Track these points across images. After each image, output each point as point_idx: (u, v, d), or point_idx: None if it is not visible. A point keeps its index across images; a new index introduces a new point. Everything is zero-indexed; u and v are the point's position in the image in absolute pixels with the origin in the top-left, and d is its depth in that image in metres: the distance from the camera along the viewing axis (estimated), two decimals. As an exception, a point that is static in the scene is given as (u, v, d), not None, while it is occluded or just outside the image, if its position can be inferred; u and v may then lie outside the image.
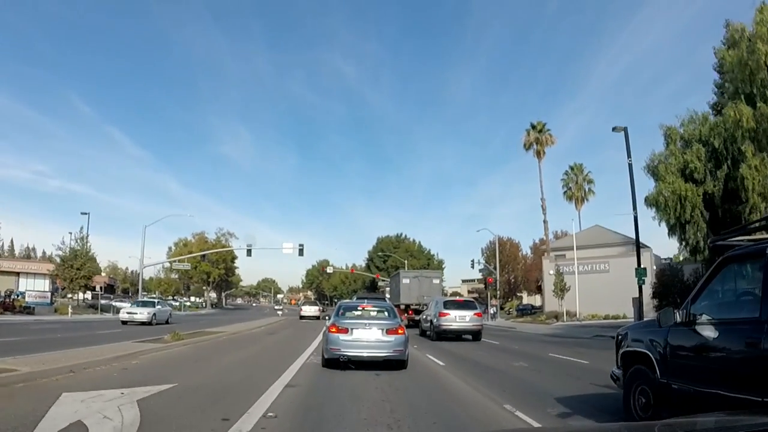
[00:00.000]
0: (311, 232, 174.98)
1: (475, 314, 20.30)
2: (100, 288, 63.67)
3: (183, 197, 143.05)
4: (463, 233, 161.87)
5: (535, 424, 5.76)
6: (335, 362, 10.12)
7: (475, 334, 20.24)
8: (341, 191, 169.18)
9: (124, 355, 11.18)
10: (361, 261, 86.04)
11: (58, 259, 45.43)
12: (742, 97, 18.87)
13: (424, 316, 23.18)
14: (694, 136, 20.47)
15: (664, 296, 26.12)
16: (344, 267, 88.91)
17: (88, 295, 56.27)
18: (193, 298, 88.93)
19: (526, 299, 68.00)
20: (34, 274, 58.82)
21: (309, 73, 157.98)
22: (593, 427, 4.80)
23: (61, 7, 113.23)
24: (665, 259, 44.73)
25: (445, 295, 36.90)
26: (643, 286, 23.75)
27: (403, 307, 28.35)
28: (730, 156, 19.25)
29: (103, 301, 47.09)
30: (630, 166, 22.99)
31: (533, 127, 51.05)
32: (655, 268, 34.50)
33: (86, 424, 5.35)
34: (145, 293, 79.16)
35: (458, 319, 19.84)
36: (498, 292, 52.18)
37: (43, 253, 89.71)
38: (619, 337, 6.06)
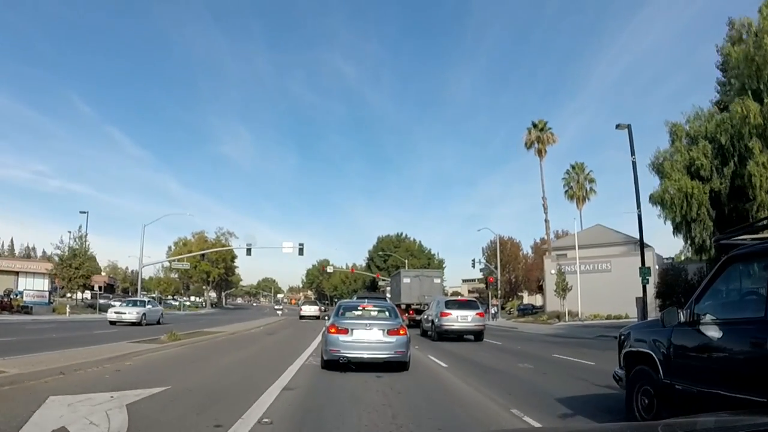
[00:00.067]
0: (311, 232, 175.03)
1: (477, 314, 19.99)
2: (99, 288, 63.51)
3: (183, 197, 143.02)
4: (463, 233, 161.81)
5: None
6: (335, 364, 9.81)
7: (477, 335, 19.94)
8: (341, 191, 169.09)
9: (118, 356, 10.88)
10: (361, 261, 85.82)
11: (56, 259, 45.13)
12: (749, 93, 18.54)
13: (426, 316, 22.88)
14: (700, 132, 20.12)
15: (668, 296, 25.85)
16: (344, 267, 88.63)
17: (87, 294, 56.04)
18: (193, 298, 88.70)
19: (527, 299, 67.70)
20: (33, 273, 58.62)
21: (309, 73, 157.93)
22: (594, 427, 4.73)
23: (61, 7, 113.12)
24: (667, 258, 44.44)
25: (446, 294, 36.60)
26: (647, 286, 23.42)
27: (403, 306, 28.05)
28: (737, 153, 18.91)
29: (102, 301, 46.76)
30: (634, 163, 22.66)
31: (534, 125, 50.76)
32: (657, 267, 34.16)
33: (70, 430, 5.05)
34: (145, 293, 79.11)
35: (460, 319, 19.53)
36: (499, 292, 51.86)
37: (43, 252, 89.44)
38: (622, 337, 5.98)
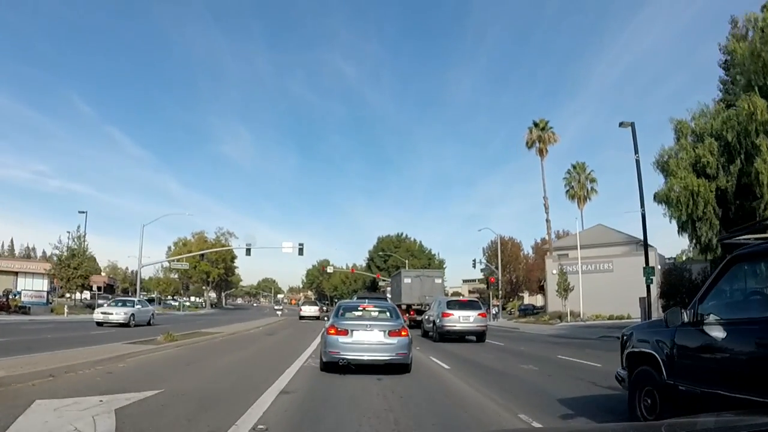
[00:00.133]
0: (311, 232, 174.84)
1: (479, 314, 19.69)
2: (98, 288, 63.21)
3: (183, 197, 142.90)
4: (464, 233, 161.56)
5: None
6: (334, 366, 9.51)
7: (480, 335, 19.65)
8: (341, 191, 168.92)
9: (112, 357, 10.57)
10: (361, 261, 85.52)
11: (55, 259, 44.85)
12: (756, 89, 18.23)
13: (427, 317, 22.60)
14: (705, 129, 19.79)
15: (672, 296, 25.56)
16: (344, 267, 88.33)
17: (87, 294, 55.76)
18: (192, 298, 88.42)
19: (527, 299, 67.41)
20: (33, 273, 58.48)
21: (309, 74, 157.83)
22: (593, 427, 4.66)
23: (61, 7, 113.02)
24: (669, 258, 44.18)
25: (446, 295, 36.29)
26: (650, 286, 23.13)
27: (404, 307, 27.76)
28: (744, 150, 18.58)
29: (100, 301, 46.37)
30: (637, 161, 22.38)
31: (536, 124, 50.46)
32: (659, 267, 33.87)
33: (53, 438, 4.76)
34: (144, 293, 78.84)
35: (462, 319, 19.24)
36: (500, 292, 51.57)
37: (43, 252, 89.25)
38: (624, 337, 5.91)
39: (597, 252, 42.22)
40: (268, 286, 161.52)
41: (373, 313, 10.61)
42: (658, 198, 20.83)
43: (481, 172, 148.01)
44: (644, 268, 22.18)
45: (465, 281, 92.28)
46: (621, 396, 6.45)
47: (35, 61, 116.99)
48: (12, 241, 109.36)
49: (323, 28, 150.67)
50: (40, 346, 12.81)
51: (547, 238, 54.20)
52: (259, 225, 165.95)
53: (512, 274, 67.46)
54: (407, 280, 30.14)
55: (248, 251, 48.24)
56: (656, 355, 5.00)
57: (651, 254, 26.82)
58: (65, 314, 35.67)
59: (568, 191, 51.10)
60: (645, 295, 22.96)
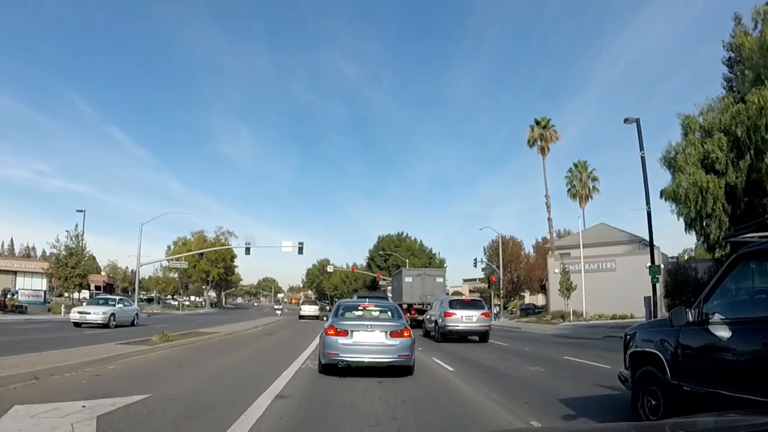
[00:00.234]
0: (311, 232, 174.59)
1: (482, 314, 19.28)
2: (96, 287, 62.89)
3: (184, 197, 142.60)
4: (464, 233, 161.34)
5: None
6: (333, 368, 9.08)
7: (483, 335, 19.24)
8: (342, 191, 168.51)
9: (102, 358, 10.15)
10: (361, 260, 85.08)
11: (53, 258, 44.48)
12: (765, 83, 17.79)
13: (428, 316, 22.19)
14: (714, 124, 19.34)
15: (678, 295, 25.15)
16: (345, 266, 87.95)
17: (85, 293, 55.37)
18: (192, 298, 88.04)
19: (528, 299, 67.02)
20: (32, 273, 58.15)
21: (310, 74, 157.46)
22: (594, 427, 4.58)
23: (61, 7, 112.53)
24: (671, 257, 43.79)
25: (447, 294, 35.86)
26: (656, 285, 22.70)
27: (405, 306, 27.32)
28: (754, 146, 18.14)
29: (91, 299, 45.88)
30: (643, 158, 21.91)
31: (537, 123, 50.01)
32: (662, 266, 33.47)
33: (25, 448, 4.35)
34: (144, 292, 78.48)
35: (465, 319, 18.83)
36: (501, 291, 51.16)
37: (43, 252, 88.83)
38: (627, 337, 5.83)
39: (599, 251, 41.80)
40: (268, 286, 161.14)
41: (374, 313, 10.17)
42: (666, 195, 20.37)
43: (482, 172, 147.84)
44: (650, 266, 21.72)
45: (465, 280, 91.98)
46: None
47: (35, 61, 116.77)
48: (12, 240, 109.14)
49: (324, 28, 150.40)
50: (31, 346, 12.40)
51: (548, 237, 53.76)
52: (259, 225, 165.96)
53: (513, 274, 67.02)
54: (408, 279, 29.72)
55: (248, 250, 47.91)
56: (660, 355, 4.91)
57: (655, 253, 26.40)
58: (62, 314, 35.23)
59: (569, 190, 50.66)
60: (649, 294, 22.55)
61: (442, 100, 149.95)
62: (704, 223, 19.10)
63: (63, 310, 36.52)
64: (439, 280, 30.53)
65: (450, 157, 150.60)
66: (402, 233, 78.10)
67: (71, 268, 41.75)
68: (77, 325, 22.47)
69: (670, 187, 20.22)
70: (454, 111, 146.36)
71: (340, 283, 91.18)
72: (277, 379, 8.60)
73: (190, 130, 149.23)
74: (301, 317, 40.67)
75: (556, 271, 41.02)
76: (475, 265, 55.57)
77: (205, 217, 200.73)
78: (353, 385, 8.24)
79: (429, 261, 70.37)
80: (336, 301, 15.22)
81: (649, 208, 21.56)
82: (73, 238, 42.41)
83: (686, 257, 49.14)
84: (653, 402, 4.96)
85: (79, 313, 23.22)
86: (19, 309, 34.92)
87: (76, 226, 43.17)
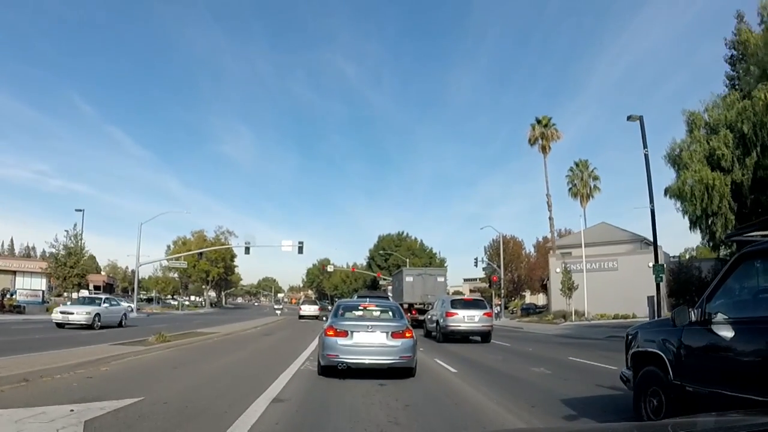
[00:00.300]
0: (312, 232, 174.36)
1: (484, 314, 19.02)
2: (96, 287, 62.59)
3: (184, 197, 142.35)
4: (464, 233, 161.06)
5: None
6: (333, 370, 8.81)
7: (485, 336, 18.98)
8: (342, 191, 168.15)
9: (95, 360, 9.89)
10: (362, 260, 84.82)
11: (52, 257, 44.26)
12: (772, 79, 17.54)
13: (430, 316, 21.93)
14: (719, 121, 19.03)
15: (682, 294, 24.89)
16: (345, 266, 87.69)
17: (85, 293, 55.10)
18: (192, 297, 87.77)
19: (529, 298, 66.75)
20: (31, 273, 58.04)
21: (310, 74, 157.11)
22: (595, 427, 4.56)
23: (61, 7, 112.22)
24: (673, 256, 43.52)
25: (448, 294, 35.59)
26: (659, 284, 22.43)
27: (406, 306, 27.04)
28: (760, 142, 17.84)
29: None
30: (646, 156, 21.65)
31: (539, 121, 49.74)
32: (665, 266, 33.21)
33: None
34: (144, 292, 78.20)
35: (467, 319, 18.56)
36: (502, 291, 50.89)
37: (43, 252, 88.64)
38: (629, 337, 5.78)
39: (601, 250, 41.52)
40: (268, 286, 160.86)
41: (374, 313, 9.90)
42: (670, 192, 20.06)
43: (482, 171, 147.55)
44: (654, 265, 21.44)
45: (466, 280, 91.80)
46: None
47: (35, 61, 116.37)
48: (12, 240, 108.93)
49: (324, 28, 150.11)
50: (25, 346, 12.18)
51: (549, 236, 53.49)
52: (259, 225, 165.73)
53: (514, 273, 66.76)
54: (409, 279, 29.44)
55: (247, 250, 47.71)
56: (662, 354, 4.87)
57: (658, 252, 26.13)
58: (60, 314, 34.97)
59: (570, 189, 50.32)
60: (652, 293, 22.30)
61: (442, 100, 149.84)
62: (710, 221, 18.80)
63: (61, 310, 36.29)
64: (440, 279, 30.24)
65: (450, 156, 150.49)
66: (402, 233, 77.90)
67: (70, 268, 41.56)
68: (60, 326, 21.07)
69: (675, 184, 19.90)
70: (454, 111, 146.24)
71: (341, 283, 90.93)
72: (274, 381, 8.33)
73: (190, 130, 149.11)
74: (301, 317, 40.43)
75: (558, 270, 40.75)
76: (476, 265, 55.39)
77: (205, 217, 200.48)
78: (353, 387, 7.97)
79: (429, 261, 70.11)
80: (336, 301, 14.97)
81: (653, 206, 21.30)
82: (72, 238, 42.24)
83: (687, 256, 48.86)
84: (655, 402, 4.92)
85: (62, 313, 21.63)
86: (17, 309, 34.72)
87: (75, 225, 43.02)
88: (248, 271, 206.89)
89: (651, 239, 22.53)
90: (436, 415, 6.26)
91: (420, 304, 27.74)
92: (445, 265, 70.78)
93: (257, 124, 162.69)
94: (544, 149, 49.28)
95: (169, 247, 76.62)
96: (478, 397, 7.65)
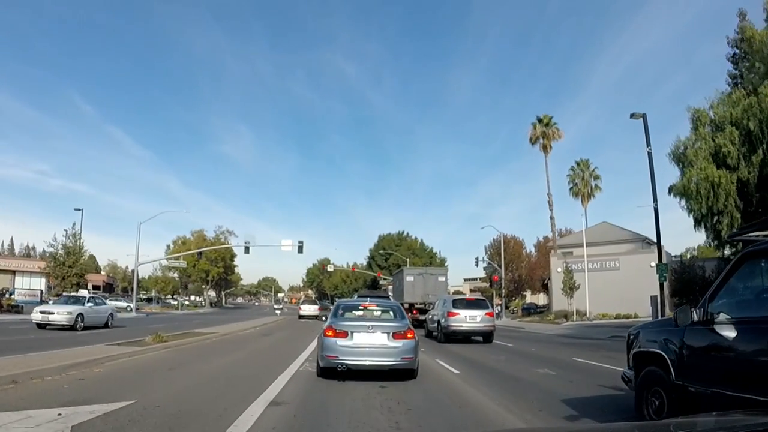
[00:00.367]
0: (312, 232, 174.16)
1: (486, 314, 18.77)
2: (95, 287, 62.36)
3: (184, 197, 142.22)
4: (464, 233, 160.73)
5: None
6: (332, 371, 8.56)
7: (487, 336, 18.73)
8: (342, 191, 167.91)
9: (88, 360, 9.64)
10: (362, 260, 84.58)
11: (51, 257, 44.04)
12: (778, 76, 17.28)
13: (431, 316, 21.69)
14: (725, 118, 18.76)
15: (685, 293, 24.65)
16: (345, 266, 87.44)
17: (84, 293, 54.86)
18: (192, 297, 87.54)
19: (529, 298, 66.53)
20: (30, 272, 57.97)
21: (310, 74, 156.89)
22: (595, 427, 4.50)
23: (61, 7, 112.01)
24: (675, 256, 43.27)
25: (449, 293, 35.35)
26: (657, 284, 22.19)
27: (407, 306, 26.80)
28: (766, 140, 17.59)
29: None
30: (650, 154, 21.40)
31: (540, 120, 49.50)
32: (668, 265, 32.96)
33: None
34: (144, 292, 77.95)
35: (468, 319, 18.32)
36: (503, 291, 50.66)
37: (42, 251, 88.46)
38: (631, 336, 5.77)
39: (602, 250, 41.29)
40: (268, 285, 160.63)
41: (375, 313, 9.65)
42: (675, 190, 19.79)
43: (482, 171, 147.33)
44: (657, 264, 21.18)
45: (466, 280, 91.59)
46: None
47: (35, 61, 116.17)
48: (12, 240, 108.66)
49: (324, 28, 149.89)
50: (19, 347, 11.95)
51: (550, 235, 53.26)
52: (259, 224, 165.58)
53: (515, 273, 66.51)
54: (410, 278, 29.19)
55: (247, 249, 47.53)
56: (664, 355, 4.84)
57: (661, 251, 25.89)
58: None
59: (571, 188, 49.98)
60: (654, 293, 22.05)
61: (442, 100, 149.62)
62: (715, 220, 18.53)
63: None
64: (441, 279, 30.00)
65: (450, 156, 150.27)
66: (403, 232, 77.67)
67: (68, 267, 41.33)
68: (40, 326, 19.84)
69: (680, 182, 19.62)
70: (454, 111, 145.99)
71: (341, 283, 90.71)
72: (272, 383, 8.08)
73: (190, 130, 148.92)
74: (301, 317, 40.20)
75: (559, 270, 40.51)
76: (477, 265, 55.19)
77: (205, 217, 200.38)
78: (353, 390, 7.73)
79: (430, 260, 69.88)
80: (336, 301, 14.73)
81: (656, 204, 21.07)
82: (71, 237, 42.02)
83: (689, 256, 48.58)
84: (657, 402, 4.90)
85: (41, 313, 20.30)
86: (15, 309, 34.49)
87: (74, 224, 42.79)
88: (248, 270, 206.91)
89: (652, 239, 22.33)
90: (439, 419, 6.02)
91: (421, 303, 27.50)
92: (446, 264, 70.58)
93: (257, 124, 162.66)
94: (545, 148, 49.04)
95: (168, 246, 76.47)
96: (482, 399, 7.40)
